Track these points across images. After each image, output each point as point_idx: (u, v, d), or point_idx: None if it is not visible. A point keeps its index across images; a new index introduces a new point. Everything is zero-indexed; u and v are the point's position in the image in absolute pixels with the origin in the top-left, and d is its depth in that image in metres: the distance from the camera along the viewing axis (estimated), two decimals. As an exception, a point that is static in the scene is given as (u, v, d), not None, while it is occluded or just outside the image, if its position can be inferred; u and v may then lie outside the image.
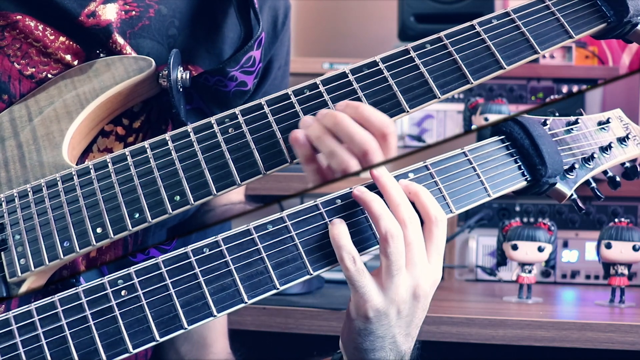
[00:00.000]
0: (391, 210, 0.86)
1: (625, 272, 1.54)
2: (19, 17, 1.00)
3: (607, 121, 1.04)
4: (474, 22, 0.97)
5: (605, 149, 1.01)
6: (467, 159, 0.94)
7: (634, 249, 1.53)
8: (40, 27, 1.01)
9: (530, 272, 1.57)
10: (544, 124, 0.99)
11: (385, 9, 2.37)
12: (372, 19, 2.46)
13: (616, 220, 1.58)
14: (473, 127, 1.87)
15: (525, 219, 1.82)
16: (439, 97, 0.93)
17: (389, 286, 0.85)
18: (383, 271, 0.86)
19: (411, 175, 0.91)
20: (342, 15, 2.51)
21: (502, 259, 1.63)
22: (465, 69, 0.94)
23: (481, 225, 1.83)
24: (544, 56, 2.01)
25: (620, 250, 1.53)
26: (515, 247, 1.58)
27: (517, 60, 0.95)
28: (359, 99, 0.92)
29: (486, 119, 1.82)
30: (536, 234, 1.57)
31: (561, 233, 1.78)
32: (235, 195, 1.19)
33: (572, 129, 1.01)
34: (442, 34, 0.96)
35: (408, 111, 0.92)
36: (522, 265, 1.58)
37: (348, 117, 0.89)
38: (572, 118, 1.02)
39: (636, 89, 1.92)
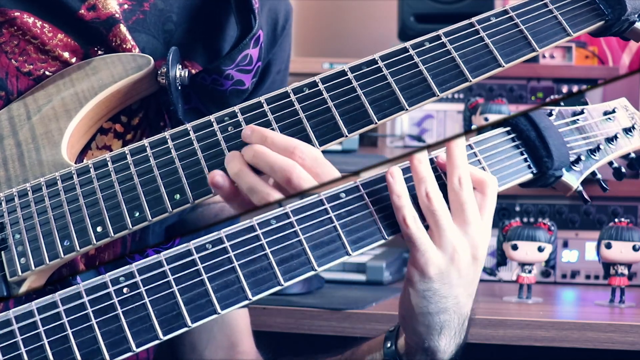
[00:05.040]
0: (449, 174, 0.89)
1: (625, 272, 1.54)
2: (17, 13, 1.00)
3: (613, 111, 1.02)
4: (473, 20, 0.97)
5: (611, 139, 0.99)
6: (473, 152, 0.93)
7: (634, 249, 1.52)
8: (39, 24, 1.01)
9: (530, 272, 1.57)
10: (550, 114, 0.98)
11: (385, 9, 2.37)
12: (372, 19, 2.46)
13: (616, 220, 1.57)
14: (473, 127, 1.86)
15: (525, 219, 1.82)
16: (438, 95, 0.93)
17: (444, 245, 0.88)
18: (433, 229, 0.88)
19: None
20: (342, 15, 2.51)
21: (502, 259, 1.62)
22: (463, 67, 0.94)
23: (481, 226, 1.83)
24: (543, 55, 2.01)
25: (620, 250, 1.53)
26: (515, 247, 1.57)
27: (515, 58, 0.95)
28: (357, 97, 0.92)
29: (486, 119, 1.82)
30: (536, 234, 1.57)
31: (561, 233, 1.77)
32: None
33: (577, 119, 0.99)
34: (440, 32, 0.96)
35: (407, 109, 0.92)
36: (522, 265, 1.57)
37: (264, 147, 0.88)
38: (578, 108, 1.00)
39: (636, 89, 1.92)
